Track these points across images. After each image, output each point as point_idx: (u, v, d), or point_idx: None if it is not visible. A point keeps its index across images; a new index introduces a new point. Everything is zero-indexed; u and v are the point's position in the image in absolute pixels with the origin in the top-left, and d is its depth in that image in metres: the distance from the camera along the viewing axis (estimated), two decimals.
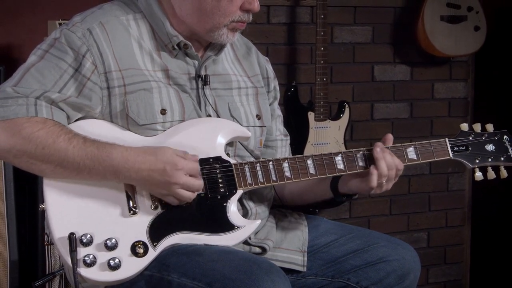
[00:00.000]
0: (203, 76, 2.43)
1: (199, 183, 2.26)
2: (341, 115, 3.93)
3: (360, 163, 2.42)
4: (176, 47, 2.40)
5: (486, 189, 4.45)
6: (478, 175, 2.53)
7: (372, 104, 4.29)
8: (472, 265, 4.60)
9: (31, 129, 2.19)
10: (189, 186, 2.24)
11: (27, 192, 3.33)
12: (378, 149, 2.39)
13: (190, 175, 2.24)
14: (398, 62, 4.33)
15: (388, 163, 2.38)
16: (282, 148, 2.65)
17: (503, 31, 4.53)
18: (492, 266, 4.63)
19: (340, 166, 2.41)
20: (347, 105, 3.95)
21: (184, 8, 2.37)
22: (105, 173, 2.21)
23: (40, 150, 2.19)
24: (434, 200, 4.48)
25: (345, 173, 2.41)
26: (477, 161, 2.52)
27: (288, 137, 2.71)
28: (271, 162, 2.37)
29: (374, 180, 2.36)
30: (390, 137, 2.46)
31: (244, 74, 2.56)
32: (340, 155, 2.41)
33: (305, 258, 2.49)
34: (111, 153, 2.21)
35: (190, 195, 2.25)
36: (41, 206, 2.26)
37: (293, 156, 2.41)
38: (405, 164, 2.45)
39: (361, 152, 2.43)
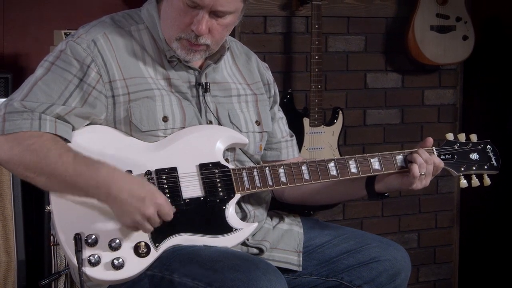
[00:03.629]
0: (204, 84, 2.43)
1: (158, 224, 2.21)
2: (335, 121, 3.94)
3: (353, 170, 2.44)
4: (176, 57, 2.40)
5: (474, 192, 4.46)
6: (463, 182, 2.56)
7: (364, 110, 4.30)
8: (461, 264, 4.60)
9: (28, 142, 2.19)
10: (155, 222, 2.20)
11: (34, 194, 3.33)
12: (416, 150, 2.46)
13: (160, 216, 2.21)
14: (390, 70, 4.33)
15: (425, 157, 2.43)
16: (288, 148, 2.66)
17: (490, 40, 4.54)
18: (480, 266, 4.63)
19: (333, 172, 2.43)
20: (340, 111, 3.96)
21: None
22: (87, 189, 2.18)
23: (33, 163, 2.19)
24: (424, 202, 4.49)
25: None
26: (462, 169, 2.56)
27: (294, 137, 2.71)
28: (267, 168, 2.38)
29: (416, 170, 2.41)
30: (430, 140, 2.51)
31: (244, 81, 2.56)
32: (333, 161, 2.44)
33: (301, 258, 2.50)
34: (99, 169, 2.18)
35: (150, 229, 2.21)
36: (47, 208, 2.27)
37: (289, 162, 2.42)
38: (395, 172, 2.47)
39: (353, 159, 2.45)
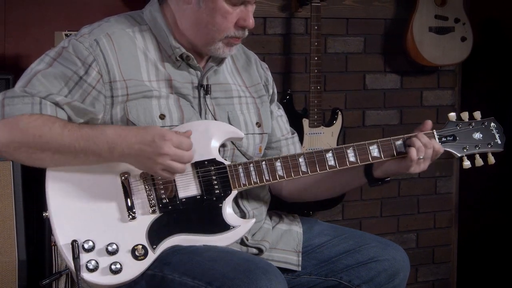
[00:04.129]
0: (205, 86, 2.43)
1: (188, 154, 2.22)
2: (334, 122, 3.94)
3: (351, 159, 2.42)
4: (179, 58, 2.40)
5: (473, 192, 4.47)
6: (466, 164, 2.50)
7: (363, 111, 4.30)
8: (459, 264, 4.61)
9: (28, 120, 2.20)
10: (178, 156, 2.20)
11: (35, 195, 3.33)
12: (416, 135, 2.41)
13: (179, 148, 2.21)
14: (389, 71, 4.34)
15: (424, 141, 2.39)
16: (289, 146, 2.65)
17: (488, 41, 4.55)
18: (478, 265, 4.64)
19: (331, 162, 2.41)
20: (339, 112, 3.96)
21: (183, 22, 2.38)
22: (100, 152, 2.20)
23: (38, 138, 2.19)
24: (422, 202, 4.49)
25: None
26: (465, 150, 2.50)
27: (296, 135, 2.69)
28: (264, 162, 2.37)
29: (414, 154, 2.37)
30: (429, 123, 2.48)
31: (243, 84, 2.56)
32: (330, 151, 2.41)
33: (300, 258, 2.50)
34: (105, 130, 2.22)
35: (181, 167, 2.22)
36: (45, 214, 2.27)
37: (285, 155, 2.40)
38: (394, 158, 2.44)
39: (351, 148, 2.42)
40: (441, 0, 4.20)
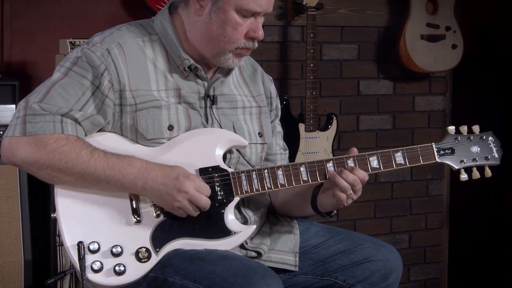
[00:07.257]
0: (212, 96, 2.42)
1: (206, 199, 2.25)
2: (329, 126, 3.95)
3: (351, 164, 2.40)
4: (187, 69, 2.39)
5: (463, 195, 4.48)
6: (464, 177, 2.47)
7: (357, 116, 4.31)
8: (450, 264, 4.62)
9: (56, 145, 2.21)
10: (196, 198, 2.23)
11: (40, 197, 3.33)
12: (330, 170, 2.37)
13: (199, 191, 2.24)
14: (382, 77, 4.34)
15: (351, 180, 2.34)
16: (282, 161, 2.64)
17: (478, 48, 4.56)
18: (468, 265, 4.65)
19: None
20: (334, 117, 3.97)
21: (194, 34, 2.36)
22: (124, 182, 2.23)
23: (64, 164, 2.21)
24: (414, 204, 4.49)
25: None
26: (462, 163, 2.47)
27: (287, 151, 2.69)
28: (266, 170, 2.36)
29: (343, 199, 2.35)
30: (354, 150, 2.43)
31: (250, 94, 2.54)
32: (331, 161, 2.38)
33: (297, 259, 2.49)
34: (132, 162, 2.24)
35: (194, 210, 2.25)
36: (53, 215, 2.28)
37: (287, 164, 2.40)
38: (393, 168, 2.43)
39: (351, 158, 2.39)
40: (432, 8, 4.22)
